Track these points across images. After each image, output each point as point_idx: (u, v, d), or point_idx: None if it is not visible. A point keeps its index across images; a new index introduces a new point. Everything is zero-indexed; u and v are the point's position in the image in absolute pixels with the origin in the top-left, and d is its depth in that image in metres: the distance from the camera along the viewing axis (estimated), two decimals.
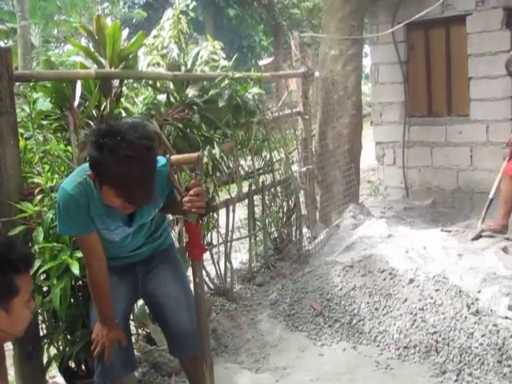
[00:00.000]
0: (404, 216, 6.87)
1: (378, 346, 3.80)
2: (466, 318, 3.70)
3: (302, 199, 5.60)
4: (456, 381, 3.36)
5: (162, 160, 2.54)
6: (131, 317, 3.56)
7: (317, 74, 6.31)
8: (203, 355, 2.67)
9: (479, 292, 4.06)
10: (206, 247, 2.73)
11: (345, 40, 6.12)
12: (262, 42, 24.49)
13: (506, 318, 3.72)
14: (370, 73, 8.20)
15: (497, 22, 6.86)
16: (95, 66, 3.48)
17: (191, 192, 2.41)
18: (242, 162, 4.89)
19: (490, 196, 5.53)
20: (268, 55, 23.37)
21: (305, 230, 5.68)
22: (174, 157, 2.57)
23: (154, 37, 4.48)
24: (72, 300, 3.04)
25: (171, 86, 4.14)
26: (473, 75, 7.04)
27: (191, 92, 4.11)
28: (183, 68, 4.17)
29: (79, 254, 2.75)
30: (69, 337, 3.12)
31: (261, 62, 19.16)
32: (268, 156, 5.15)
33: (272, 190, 5.21)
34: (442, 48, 7.49)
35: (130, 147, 2.17)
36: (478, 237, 5.29)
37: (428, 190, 7.58)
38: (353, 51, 6.15)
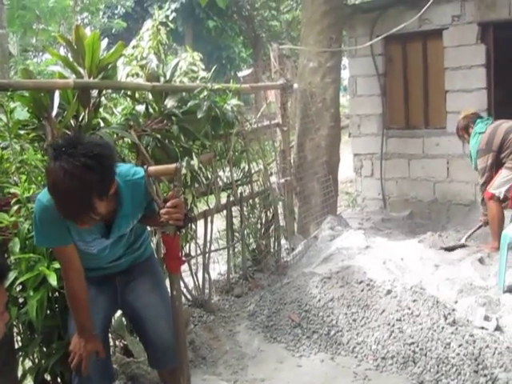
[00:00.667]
0: (382, 227, 6.93)
1: (356, 356, 3.80)
2: (442, 328, 3.73)
3: (280, 210, 5.60)
4: None
5: (140, 171, 2.53)
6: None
7: (295, 85, 6.35)
8: (180, 367, 2.65)
9: (456, 302, 4.12)
10: (184, 259, 2.71)
11: (323, 52, 6.17)
12: (242, 53, 24.58)
13: (482, 328, 3.77)
14: (348, 85, 8.29)
15: (472, 36, 7.00)
16: (74, 75, 3.46)
17: (169, 204, 2.39)
18: (221, 173, 4.88)
19: (481, 218, 5.68)
20: (247, 67, 23.45)
21: (283, 241, 5.69)
22: (152, 168, 2.55)
23: (133, 47, 4.47)
24: (48, 311, 3.00)
25: (150, 96, 4.13)
26: (449, 88, 7.15)
27: (170, 103, 4.10)
28: (162, 79, 4.16)
29: (56, 265, 2.73)
30: (45, 349, 3.08)
31: (240, 74, 19.23)
32: (246, 167, 5.15)
33: (250, 201, 5.21)
34: (420, 61, 7.62)
35: (68, 161, 2.14)
36: (452, 248, 5.41)
37: (405, 202, 7.66)
38: (331, 63, 6.21)
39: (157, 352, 2.81)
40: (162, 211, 2.40)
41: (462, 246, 5.57)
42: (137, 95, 4.13)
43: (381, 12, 7.60)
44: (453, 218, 7.08)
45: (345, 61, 12.32)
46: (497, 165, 5.41)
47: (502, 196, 5.32)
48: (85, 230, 2.47)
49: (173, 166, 2.49)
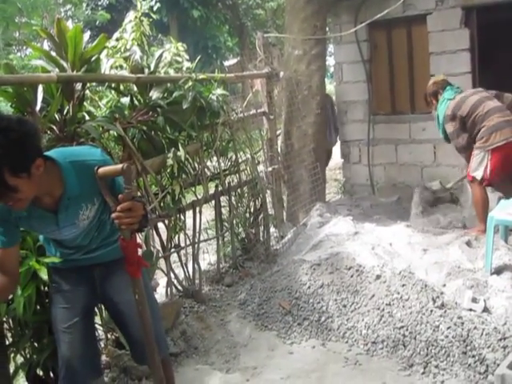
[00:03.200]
0: (370, 213, 6.94)
1: (346, 342, 3.84)
2: (431, 311, 3.77)
3: (268, 199, 5.62)
4: (423, 373, 3.43)
5: (96, 154, 2.46)
6: (100, 322, 3.54)
7: (281, 74, 6.34)
8: (152, 371, 2.59)
9: (444, 286, 4.15)
10: (145, 263, 2.57)
11: (308, 40, 6.16)
12: (228, 42, 24.52)
13: (470, 310, 3.80)
14: (334, 72, 8.28)
15: (456, 20, 7.01)
16: (57, 69, 3.44)
17: (118, 208, 2.25)
18: (208, 163, 4.88)
19: (448, 186, 5.77)
20: (233, 56, 23.41)
21: (272, 229, 5.71)
22: (102, 169, 2.37)
23: (117, 39, 4.45)
24: (38, 307, 3.01)
25: (135, 88, 4.12)
26: (434, 73, 7.13)
27: (155, 94, 4.09)
28: (146, 70, 4.16)
29: (46, 259, 2.73)
30: (36, 344, 3.09)
31: (226, 63, 19.21)
32: (234, 157, 5.15)
33: (238, 190, 5.21)
34: (404, 47, 7.61)
35: None
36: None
37: (393, 187, 7.69)
38: (316, 51, 6.20)
39: (138, 347, 2.75)
40: (113, 215, 2.28)
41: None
42: (121, 87, 4.13)
43: None
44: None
45: (331, 48, 12.32)
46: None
47: (479, 177, 5.35)
48: (36, 221, 2.44)
49: (119, 166, 2.31)
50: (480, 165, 5.29)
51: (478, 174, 5.31)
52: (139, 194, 4.04)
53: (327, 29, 8.17)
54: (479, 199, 5.42)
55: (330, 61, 17.14)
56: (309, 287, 4.26)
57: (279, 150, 6.02)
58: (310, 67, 6.18)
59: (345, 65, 7.91)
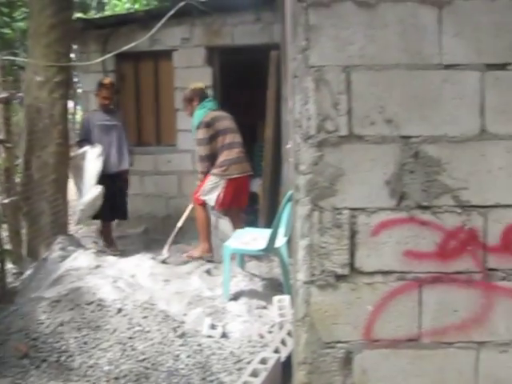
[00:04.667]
0: (116, 245, 6.89)
1: (88, 380, 3.70)
2: (172, 341, 3.84)
3: (5, 233, 5.26)
4: None
5: None
6: None
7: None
8: None
9: (185, 315, 4.26)
10: None
11: (51, 67, 5.94)
12: None
13: (209, 336, 3.97)
14: (81, 100, 8.13)
15: (199, 58, 7.45)
16: None
17: None
18: None
19: (179, 225, 6.05)
20: None
21: (10, 265, 5.34)
22: None
23: None
24: None
25: None
26: (179, 107, 7.43)
27: None
28: None
29: None
30: None
31: None
32: None
33: None
34: (151, 80, 7.83)
35: None
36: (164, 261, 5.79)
37: (140, 218, 7.75)
38: (59, 78, 5.99)
39: None
40: None
41: (167, 258, 5.94)
42: None
43: (114, 29, 7.63)
44: (186, 233, 7.34)
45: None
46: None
47: (212, 203, 5.75)
48: None
49: None
50: (213, 190, 5.68)
51: (211, 199, 5.68)
52: None
53: (73, 56, 8.01)
54: (203, 220, 5.85)
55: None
56: (47, 326, 4.04)
57: (18, 180, 5.68)
58: (53, 95, 5.94)
59: (91, 94, 7.80)
